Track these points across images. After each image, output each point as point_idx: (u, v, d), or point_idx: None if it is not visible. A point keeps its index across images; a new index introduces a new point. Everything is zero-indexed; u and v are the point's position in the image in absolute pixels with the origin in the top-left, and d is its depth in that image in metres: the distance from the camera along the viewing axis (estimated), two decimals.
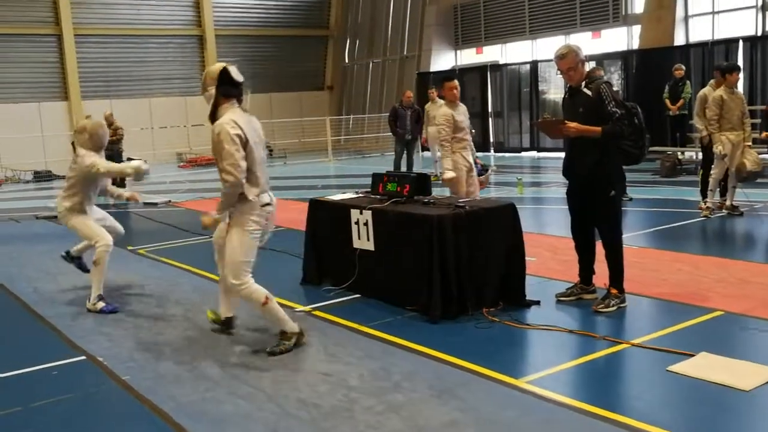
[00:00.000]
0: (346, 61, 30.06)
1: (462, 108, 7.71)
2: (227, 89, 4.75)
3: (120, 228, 6.90)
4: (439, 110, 7.67)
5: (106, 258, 6.29)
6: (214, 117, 4.75)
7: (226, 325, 5.44)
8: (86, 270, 6.85)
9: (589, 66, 18.42)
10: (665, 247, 7.79)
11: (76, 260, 7.03)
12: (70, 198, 6.38)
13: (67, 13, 24.04)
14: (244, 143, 4.67)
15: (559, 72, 5.53)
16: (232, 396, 4.21)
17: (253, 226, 4.86)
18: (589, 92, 5.38)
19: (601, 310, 5.44)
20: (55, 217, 12.28)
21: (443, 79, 7.87)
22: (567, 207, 5.84)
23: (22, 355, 5.24)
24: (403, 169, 14.85)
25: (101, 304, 6.21)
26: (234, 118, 4.68)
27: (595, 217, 5.58)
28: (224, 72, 4.74)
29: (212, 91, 4.75)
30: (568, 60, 5.41)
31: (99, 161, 6.24)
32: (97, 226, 6.47)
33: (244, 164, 4.66)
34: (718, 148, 9.00)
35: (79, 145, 6.35)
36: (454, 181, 7.44)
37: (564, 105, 5.72)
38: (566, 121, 5.39)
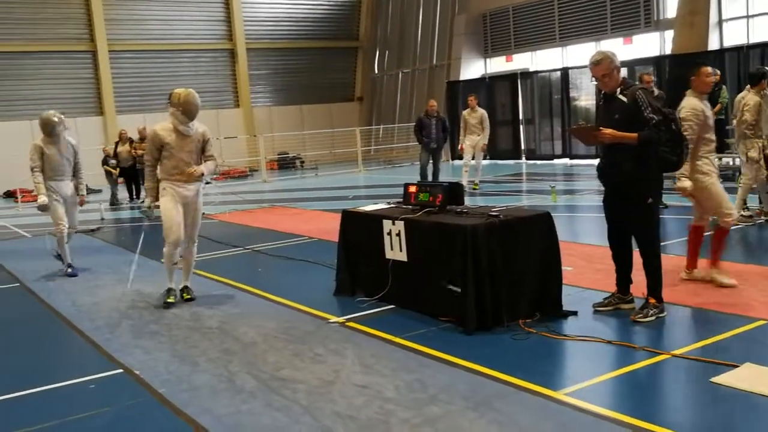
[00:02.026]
0: (376, 71, 30.16)
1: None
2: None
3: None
4: (685, 102, 6.25)
5: (63, 238, 8.57)
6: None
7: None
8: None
9: (624, 72, 18.32)
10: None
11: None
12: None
13: (101, 30, 24.49)
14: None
15: (593, 79, 5.47)
16: (268, 408, 4.20)
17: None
18: (624, 98, 5.30)
19: (639, 319, 5.35)
20: (92, 230, 12.53)
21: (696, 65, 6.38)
22: (603, 215, 5.75)
23: (61, 369, 5.31)
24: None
25: (69, 270, 8.62)
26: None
27: (632, 225, 5.49)
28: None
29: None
30: (602, 66, 5.35)
31: (32, 154, 8.33)
32: (58, 209, 8.45)
33: None
34: (752, 153, 8.85)
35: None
36: (696, 192, 6.24)
37: (598, 112, 5.65)
38: (601, 128, 5.32)
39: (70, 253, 8.71)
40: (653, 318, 5.35)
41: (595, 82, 5.49)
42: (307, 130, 27.15)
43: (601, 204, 5.79)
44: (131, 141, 17.55)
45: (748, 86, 9.43)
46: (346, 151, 25.07)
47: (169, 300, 6.74)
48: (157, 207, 6.72)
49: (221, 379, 4.74)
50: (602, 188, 5.77)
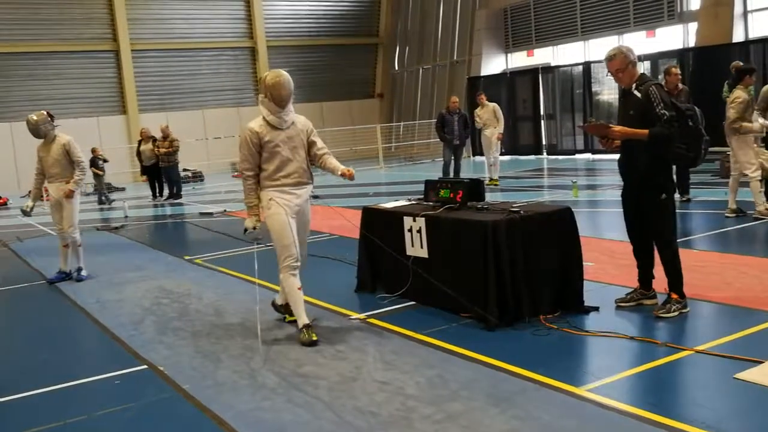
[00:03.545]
0: (396, 68, 30.13)
1: None
2: None
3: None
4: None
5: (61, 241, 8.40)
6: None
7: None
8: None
9: (647, 66, 18.12)
10: (728, 250, 7.57)
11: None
12: None
13: (124, 30, 24.74)
14: None
15: (609, 74, 5.46)
16: (289, 404, 4.23)
17: None
18: (638, 94, 5.27)
19: (662, 315, 5.31)
20: (116, 228, 12.66)
21: None
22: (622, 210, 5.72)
23: (86, 365, 5.38)
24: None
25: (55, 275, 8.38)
26: None
27: (647, 220, 5.45)
28: None
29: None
30: (616, 62, 5.35)
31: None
32: (52, 214, 8.35)
33: None
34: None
35: None
36: None
37: (619, 105, 5.66)
38: (611, 126, 5.29)
39: (67, 261, 8.39)
40: (676, 313, 5.31)
41: (611, 77, 5.49)
42: (328, 127, 27.18)
43: (621, 199, 5.75)
44: (154, 139, 17.70)
45: (728, 83, 9.39)
46: (366, 148, 25.09)
47: (313, 338, 5.32)
48: (256, 231, 5.46)
49: (243, 376, 4.77)
50: (622, 183, 5.74)
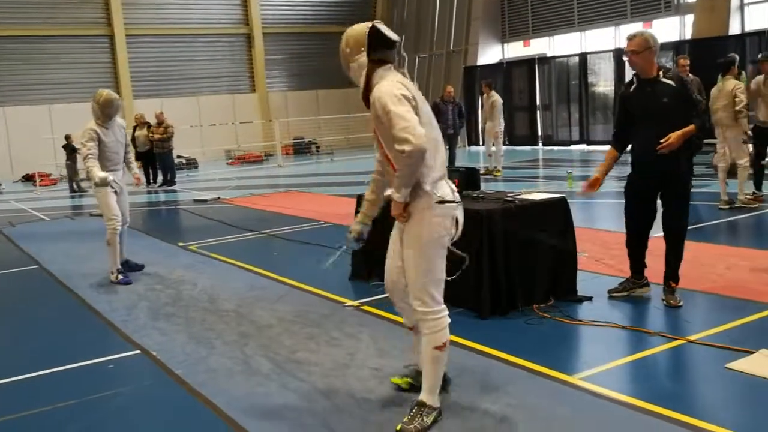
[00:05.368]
0: None
1: None
2: (382, 53, 3.65)
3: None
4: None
5: (116, 235, 7.27)
6: (367, 90, 3.68)
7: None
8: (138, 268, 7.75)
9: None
10: (721, 241, 7.60)
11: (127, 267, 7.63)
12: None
13: (118, 14, 24.55)
14: (415, 108, 3.53)
15: (626, 56, 5.37)
16: (283, 390, 4.24)
17: (439, 228, 3.65)
18: (671, 82, 5.24)
19: (680, 303, 5.34)
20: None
21: None
22: (618, 201, 5.71)
23: (79, 349, 5.36)
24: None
25: (120, 276, 7.26)
26: (399, 80, 3.59)
27: (671, 210, 5.37)
28: (374, 32, 3.64)
29: (362, 59, 3.66)
30: (634, 42, 5.23)
31: (88, 141, 7.15)
32: (113, 201, 7.30)
33: (421, 129, 3.45)
34: (744, 137, 9.08)
35: (92, 112, 7.32)
36: None
37: (635, 97, 5.36)
38: (662, 142, 5.07)
39: (122, 253, 7.54)
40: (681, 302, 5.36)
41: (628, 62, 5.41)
42: (323, 114, 27.14)
43: (620, 191, 5.73)
44: (148, 125, 17.63)
45: (720, 75, 9.40)
46: (361, 137, 25.05)
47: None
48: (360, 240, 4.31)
49: (237, 362, 4.78)
50: (619, 174, 5.73)
